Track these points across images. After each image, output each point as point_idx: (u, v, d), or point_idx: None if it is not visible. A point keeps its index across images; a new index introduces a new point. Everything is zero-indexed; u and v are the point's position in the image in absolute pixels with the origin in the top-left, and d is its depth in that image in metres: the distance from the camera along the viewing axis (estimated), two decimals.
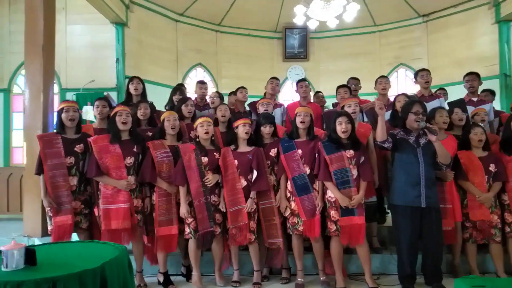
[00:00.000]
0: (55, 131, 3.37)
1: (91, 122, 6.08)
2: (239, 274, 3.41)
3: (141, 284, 3.29)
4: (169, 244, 3.27)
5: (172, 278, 3.43)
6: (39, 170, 3.23)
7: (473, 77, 4.32)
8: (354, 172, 3.15)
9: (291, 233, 3.29)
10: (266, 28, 9.08)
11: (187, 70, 8.41)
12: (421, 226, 3.08)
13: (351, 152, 3.15)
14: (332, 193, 3.14)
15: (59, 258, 1.95)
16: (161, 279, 3.36)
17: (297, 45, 9.06)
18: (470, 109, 3.98)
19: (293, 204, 3.27)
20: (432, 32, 8.36)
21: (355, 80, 4.85)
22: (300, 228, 3.23)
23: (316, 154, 3.24)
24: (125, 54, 7.06)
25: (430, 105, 3.66)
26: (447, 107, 3.80)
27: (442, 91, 4.91)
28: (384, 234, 3.96)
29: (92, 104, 6.41)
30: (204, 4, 8.05)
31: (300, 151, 3.26)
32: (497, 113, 4.38)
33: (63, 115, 3.28)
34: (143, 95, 4.09)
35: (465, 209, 3.33)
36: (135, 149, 3.27)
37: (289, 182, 3.28)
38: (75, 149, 3.28)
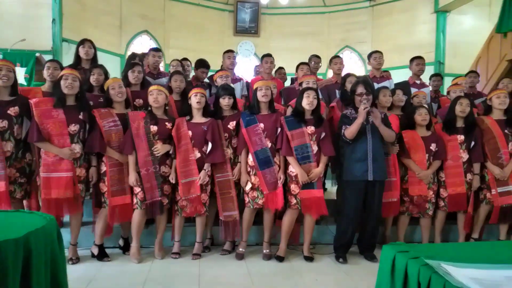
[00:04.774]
0: None
1: (21, 85, 5.56)
2: (179, 245, 3.38)
3: (73, 257, 3.14)
4: (125, 214, 3.17)
5: (108, 251, 3.30)
6: None
7: (423, 61, 4.52)
8: (315, 148, 3.23)
9: (250, 206, 3.29)
10: None
11: (131, 37, 7.94)
12: (365, 199, 3.27)
13: (312, 128, 3.21)
14: (293, 168, 3.21)
15: None
16: (96, 251, 3.23)
17: (249, 20, 8.94)
18: (414, 91, 4.21)
19: (253, 178, 3.27)
20: (378, 17, 8.68)
21: (317, 58, 4.88)
22: (260, 202, 3.26)
23: (279, 129, 3.25)
24: (63, 14, 6.46)
25: (381, 86, 3.83)
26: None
27: (386, 73, 5.14)
28: None
29: (22, 66, 5.96)
30: None
31: (262, 125, 3.25)
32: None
33: None
34: (94, 60, 3.85)
35: (405, 184, 3.56)
36: (81, 116, 3.05)
37: (250, 156, 3.28)
38: (9, 112, 2.98)
